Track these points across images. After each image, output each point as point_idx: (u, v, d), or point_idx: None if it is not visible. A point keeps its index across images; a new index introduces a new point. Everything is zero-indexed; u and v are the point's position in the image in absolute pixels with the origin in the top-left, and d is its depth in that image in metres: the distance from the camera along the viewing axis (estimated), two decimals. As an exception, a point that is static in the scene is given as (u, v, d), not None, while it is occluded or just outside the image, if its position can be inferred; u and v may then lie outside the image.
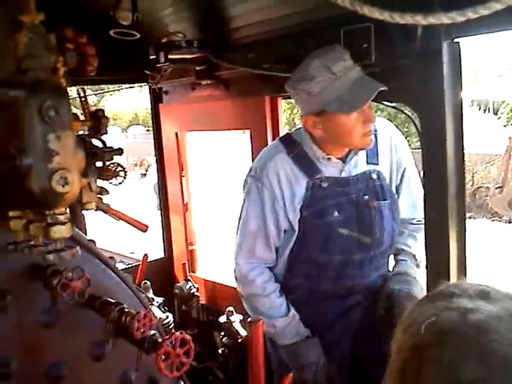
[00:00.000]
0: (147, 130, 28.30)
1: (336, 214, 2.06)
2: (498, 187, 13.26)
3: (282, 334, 2.11)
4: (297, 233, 2.09)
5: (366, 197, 2.11)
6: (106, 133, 1.25)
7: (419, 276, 2.18)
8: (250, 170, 2.17)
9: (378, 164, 2.17)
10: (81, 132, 1.33)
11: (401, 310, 1.99)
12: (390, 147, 2.21)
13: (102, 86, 6.00)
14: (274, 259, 2.18)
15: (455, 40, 1.82)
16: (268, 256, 2.17)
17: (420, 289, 2.09)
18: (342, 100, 1.88)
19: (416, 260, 2.24)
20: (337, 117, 1.93)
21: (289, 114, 24.09)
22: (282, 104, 2.76)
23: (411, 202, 2.26)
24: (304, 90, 1.92)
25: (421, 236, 2.20)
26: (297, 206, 2.07)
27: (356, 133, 1.96)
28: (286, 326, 2.11)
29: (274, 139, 2.65)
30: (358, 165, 2.13)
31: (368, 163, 2.15)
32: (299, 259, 2.14)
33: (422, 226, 2.19)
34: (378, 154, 2.17)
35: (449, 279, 1.93)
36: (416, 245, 2.25)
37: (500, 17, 1.53)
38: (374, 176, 2.15)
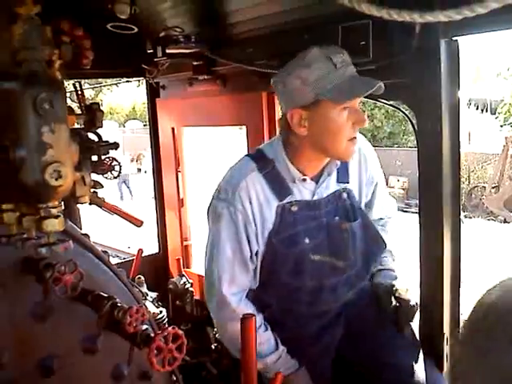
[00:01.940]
0: (144, 125, 28.26)
1: (307, 240, 1.94)
2: (494, 187, 13.32)
3: (273, 368, 1.96)
4: (266, 257, 1.97)
5: (337, 218, 2.00)
6: (101, 126, 1.25)
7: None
8: (219, 192, 1.97)
9: (348, 182, 2.05)
10: (76, 126, 1.33)
11: (406, 303, 2.00)
12: (360, 162, 2.09)
13: (100, 79, 5.99)
14: (253, 282, 2.03)
15: (453, 38, 1.82)
16: (248, 281, 2.01)
17: (402, 284, 2.07)
18: (340, 89, 1.75)
19: (392, 255, 2.23)
20: (329, 111, 1.78)
21: (286, 111, 24.05)
22: (280, 100, 2.76)
23: (381, 208, 2.23)
24: (299, 77, 1.77)
25: (390, 228, 2.27)
26: (265, 231, 1.94)
27: (343, 135, 1.81)
28: (277, 361, 1.99)
29: (270, 136, 2.65)
30: (329, 185, 2.01)
31: (338, 182, 2.03)
32: (270, 282, 2.01)
33: (391, 219, 2.28)
34: (348, 171, 2.05)
35: (442, 277, 1.94)
36: (388, 238, 2.18)
37: (498, 16, 1.54)
38: (345, 195, 2.04)
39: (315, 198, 1.98)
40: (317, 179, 1.98)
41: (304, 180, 1.95)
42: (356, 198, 2.08)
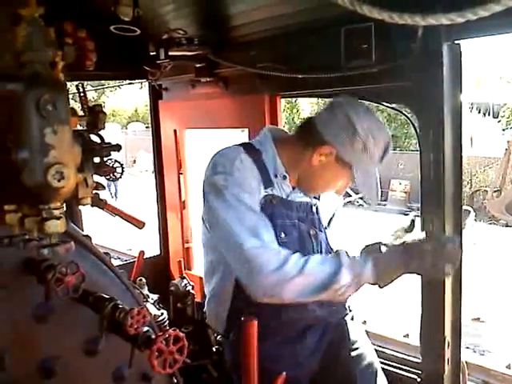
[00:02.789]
0: (146, 127, 28.28)
1: (283, 235, 1.95)
2: (496, 191, 13.28)
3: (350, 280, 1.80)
4: None
5: (305, 225, 2.05)
6: (104, 128, 1.25)
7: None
8: (214, 167, 1.95)
9: (318, 199, 2.16)
10: (79, 127, 1.33)
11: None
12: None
13: (102, 81, 6.00)
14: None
15: (455, 41, 1.82)
16: (273, 237, 1.89)
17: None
18: (366, 174, 1.94)
19: None
20: (343, 170, 1.95)
21: (288, 114, 24.09)
22: (282, 103, 2.76)
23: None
24: (364, 140, 1.85)
25: None
26: (257, 206, 1.93)
27: (334, 185, 2.04)
28: (345, 272, 1.79)
29: (272, 138, 2.65)
30: (300, 194, 2.07)
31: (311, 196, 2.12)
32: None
33: None
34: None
35: (444, 281, 1.93)
36: None
37: (501, 19, 1.54)
38: (314, 209, 2.12)
39: (289, 198, 2.03)
40: (293, 187, 2.05)
41: (284, 178, 2.00)
42: (321, 215, 2.17)
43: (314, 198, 2.13)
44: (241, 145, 2.03)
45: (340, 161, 1.92)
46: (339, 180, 2.01)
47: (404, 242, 1.79)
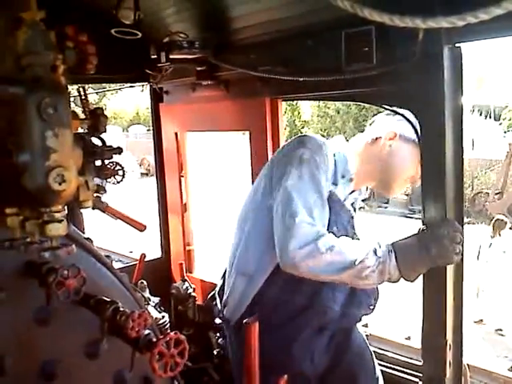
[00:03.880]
0: (148, 130, 28.31)
1: (335, 229, 2.06)
2: (498, 193, 13.28)
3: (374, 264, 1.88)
4: None
5: (350, 229, 2.20)
6: (105, 131, 1.25)
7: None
8: (303, 143, 2.09)
9: (355, 212, 2.36)
10: (81, 130, 1.34)
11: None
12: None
13: (104, 84, 6.01)
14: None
15: (456, 44, 1.82)
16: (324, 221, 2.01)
17: None
18: None
19: None
20: (409, 148, 2.12)
21: (290, 116, 24.10)
22: (283, 106, 2.76)
23: None
24: None
25: None
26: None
27: (408, 169, 2.18)
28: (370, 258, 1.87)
29: (273, 141, 2.65)
30: (348, 203, 2.26)
31: (352, 205, 2.32)
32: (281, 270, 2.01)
33: None
34: (356, 208, 2.40)
35: (446, 282, 1.93)
36: None
37: (501, 22, 1.54)
38: (353, 217, 2.29)
39: (344, 203, 2.21)
40: (352, 191, 2.26)
41: (351, 180, 2.20)
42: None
43: (354, 210, 2.33)
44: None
45: (404, 139, 2.13)
46: (410, 162, 2.13)
47: (420, 229, 1.88)
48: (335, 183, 2.15)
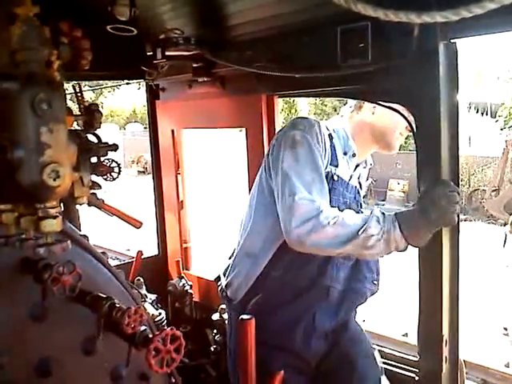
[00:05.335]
0: (145, 128, 28.28)
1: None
2: (494, 190, 13.30)
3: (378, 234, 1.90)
4: None
5: (354, 205, 2.24)
6: (100, 127, 1.25)
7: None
8: (294, 125, 2.12)
9: (362, 188, 2.40)
10: (76, 127, 1.33)
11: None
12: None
13: (100, 82, 6.00)
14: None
15: (452, 41, 1.82)
16: (325, 196, 2.03)
17: None
18: None
19: None
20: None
21: (287, 114, 24.09)
22: (280, 103, 2.76)
23: None
24: None
25: None
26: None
27: (396, 131, 2.24)
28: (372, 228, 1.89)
29: (269, 138, 2.65)
30: (354, 178, 2.31)
31: (358, 181, 2.37)
32: (288, 249, 2.04)
33: None
34: (363, 180, 2.44)
35: (441, 280, 1.94)
36: None
37: (496, 18, 1.54)
38: (360, 193, 2.36)
39: (349, 182, 2.26)
40: (356, 166, 2.31)
41: (353, 155, 2.26)
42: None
43: (360, 185, 2.36)
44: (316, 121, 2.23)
45: None
46: (397, 116, 2.09)
47: (419, 195, 1.92)
48: (335, 164, 2.17)
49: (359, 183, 2.38)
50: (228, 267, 2.37)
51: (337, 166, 2.17)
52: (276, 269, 2.15)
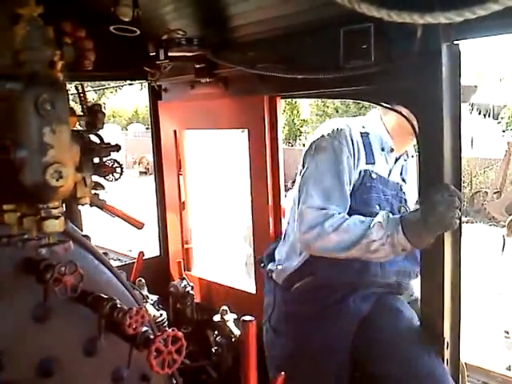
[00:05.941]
0: (147, 129, 28.29)
1: (377, 207, 2.16)
2: (496, 192, 13.25)
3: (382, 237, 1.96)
4: None
5: (396, 201, 2.26)
6: (103, 128, 1.25)
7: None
8: (322, 135, 2.19)
9: (406, 183, 2.36)
10: (79, 128, 1.33)
11: None
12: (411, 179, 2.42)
13: (103, 82, 6.01)
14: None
15: (454, 42, 1.82)
16: (342, 208, 2.09)
17: None
18: None
19: None
20: None
21: (288, 115, 24.08)
22: (282, 104, 2.76)
23: None
24: None
25: None
26: (355, 175, 2.16)
27: None
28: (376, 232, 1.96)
29: (271, 139, 2.65)
30: (396, 174, 2.32)
31: (400, 175, 2.35)
32: None
33: None
34: (407, 175, 2.39)
35: (443, 281, 1.93)
36: None
37: (499, 20, 1.54)
38: (403, 189, 2.33)
39: (389, 178, 2.26)
40: (395, 161, 2.30)
41: (392, 150, 2.26)
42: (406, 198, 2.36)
43: (403, 180, 2.34)
44: (350, 119, 2.29)
45: None
46: None
47: (420, 198, 1.96)
48: (371, 162, 2.20)
49: (402, 179, 2.36)
50: (272, 251, 2.48)
51: (374, 164, 2.21)
52: (320, 264, 2.18)
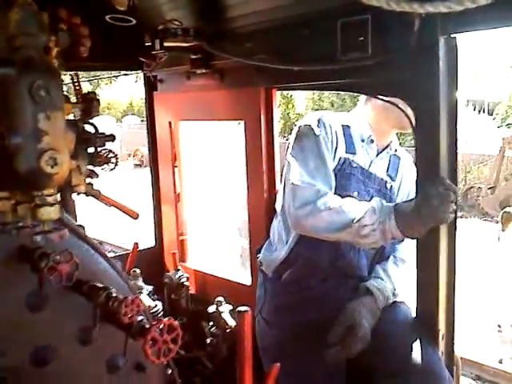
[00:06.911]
0: (142, 121, 28.20)
1: (355, 194, 2.17)
2: (490, 188, 13.31)
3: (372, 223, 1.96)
4: None
5: (377, 197, 2.20)
6: (98, 115, 1.24)
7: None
8: (303, 120, 2.29)
9: (394, 180, 2.36)
10: (73, 117, 1.32)
11: None
12: (404, 176, 2.40)
13: (97, 73, 5.97)
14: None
15: (452, 35, 1.81)
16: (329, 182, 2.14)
17: None
18: None
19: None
20: None
21: (284, 109, 24.05)
22: (278, 97, 2.75)
23: None
24: None
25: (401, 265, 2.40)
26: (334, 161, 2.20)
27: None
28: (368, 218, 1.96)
29: (267, 131, 2.64)
30: (380, 169, 2.32)
31: (387, 173, 2.35)
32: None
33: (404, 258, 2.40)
34: (396, 172, 2.38)
35: (438, 277, 1.94)
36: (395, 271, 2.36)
37: (497, 13, 1.54)
38: (388, 186, 2.34)
39: (371, 170, 2.27)
40: (377, 152, 2.33)
41: (372, 141, 2.29)
42: (394, 196, 2.35)
43: (389, 176, 2.34)
44: (334, 113, 2.36)
45: None
46: None
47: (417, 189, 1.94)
48: (351, 151, 2.24)
49: (389, 176, 2.36)
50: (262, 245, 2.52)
51: (355, 154, 2.23)
52: (301, 248, 2.24)
